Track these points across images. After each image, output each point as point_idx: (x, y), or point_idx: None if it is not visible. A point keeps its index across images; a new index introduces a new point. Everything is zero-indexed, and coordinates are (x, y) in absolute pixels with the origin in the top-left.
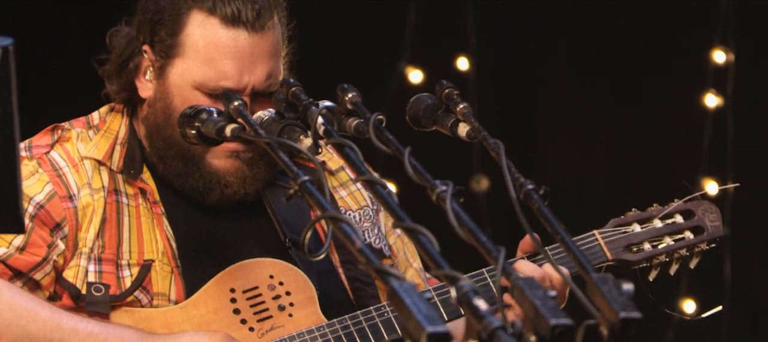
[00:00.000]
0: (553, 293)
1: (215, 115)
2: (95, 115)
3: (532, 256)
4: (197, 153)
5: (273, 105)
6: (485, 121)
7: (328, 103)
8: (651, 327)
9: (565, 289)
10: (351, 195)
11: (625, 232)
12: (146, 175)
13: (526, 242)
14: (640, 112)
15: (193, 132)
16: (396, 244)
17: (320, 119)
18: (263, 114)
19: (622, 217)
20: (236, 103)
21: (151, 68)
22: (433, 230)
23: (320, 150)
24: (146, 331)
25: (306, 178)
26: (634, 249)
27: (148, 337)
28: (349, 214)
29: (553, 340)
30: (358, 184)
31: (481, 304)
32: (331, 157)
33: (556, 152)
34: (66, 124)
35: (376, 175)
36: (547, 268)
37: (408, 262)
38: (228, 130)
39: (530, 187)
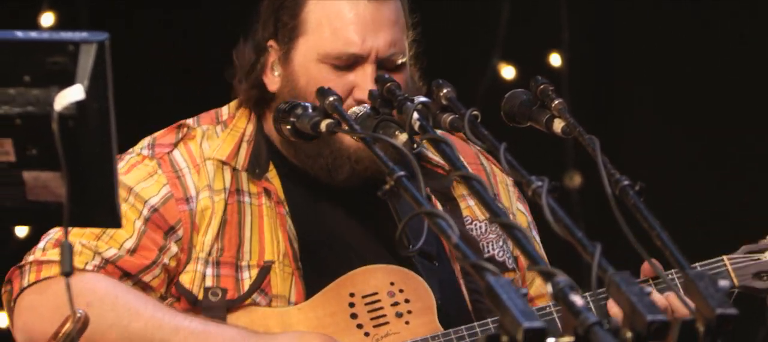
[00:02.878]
0: (648, 289)
1: (310, 110)
2: (224, 111)
3: (655, 279)
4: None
5: (369, 100)
6: (577, 116)
7: (423, 99)
8: (743, 325)
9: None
10: (478, 205)
11: (756, 259)
12: (272, 173)
13: (647, 269)
14: (736, 110)
15: (288, 128)
16: None
17: (415, 115)
18: (358, 109)
19: (755, 243)
20: (331, 99)
21: (277, 61)
22: None
23: (416, 145)
24: (248, 330)
25: (402, 173)
26: (764, 277)
27: (250, 336)
28: (476, 224)
29: (649, 336)
30: None
31: (578, 299)
32: None
33: (646, 150)
34: (192, 122)
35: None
36: (671, 297)
37: (535, 275)
38: (323, 125)
39: (626, 183)
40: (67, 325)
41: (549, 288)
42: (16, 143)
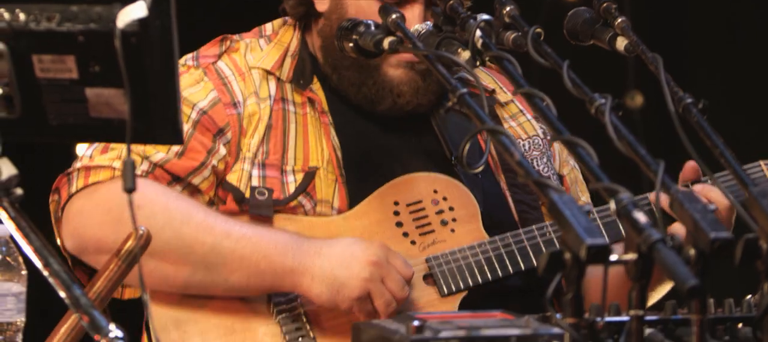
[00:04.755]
0: (712, 206)
1: (373, 27)
2: (268, 27)
3: (693, 184)
4: (372, 63)
5: (431, 18)
6: (638, 35)
7: (486, 17)
8: None
9: (731, 216)
10: (520, 126)
11: None
12: (316, 86)
13: (687, 169)
14: None
15: (351, 45)
16: (569, 176)
17: (478, 32)
18: (421, 27)
19: None
20: (394, 16)
21: None
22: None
23: (478, 63)
24: (301, 236)
25: (464, 90)
26: None
27: (303, 240)
28: (519, 143)
29: (712, 253)
30: (529, 116)
31: (641, 217)
32: (500, 90)
33: (705, 71)
34: (235, 36)
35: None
36: (710, 193)
37: (577, 196)
38: (386, 42)
39: (689, 100)
40: (130, 242)
41: (612, 205)
42: (79, 60)
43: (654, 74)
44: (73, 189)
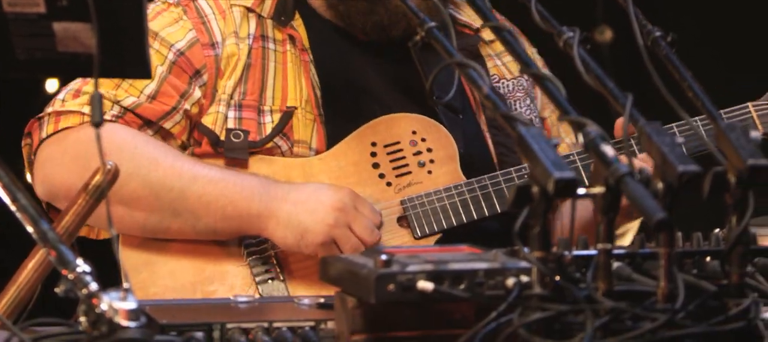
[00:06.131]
0: (681, 140)
1: None
2: None
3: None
4: None
5: None
6: None
7: None
8: None
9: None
10: (504, 65)
11: None
12: (297, 22)
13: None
14: None
15: None
16: (550, 118)
17: None
18: None
19: None
20: None
21: None
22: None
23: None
24: (269, 179)
25: (433, 24)
26: None
27: (270, 185)
28: (503, 83)
29: (680, 187)
30: None
31: (609, 150)
32: (486, 29)
33: (675, 6)
34: None
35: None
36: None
37: (561, 138)
38: None
39: (658, 34)
40: (97, 177)
41: (580, 138)
42: None
43: (623, 8)
44: (44, 134)
